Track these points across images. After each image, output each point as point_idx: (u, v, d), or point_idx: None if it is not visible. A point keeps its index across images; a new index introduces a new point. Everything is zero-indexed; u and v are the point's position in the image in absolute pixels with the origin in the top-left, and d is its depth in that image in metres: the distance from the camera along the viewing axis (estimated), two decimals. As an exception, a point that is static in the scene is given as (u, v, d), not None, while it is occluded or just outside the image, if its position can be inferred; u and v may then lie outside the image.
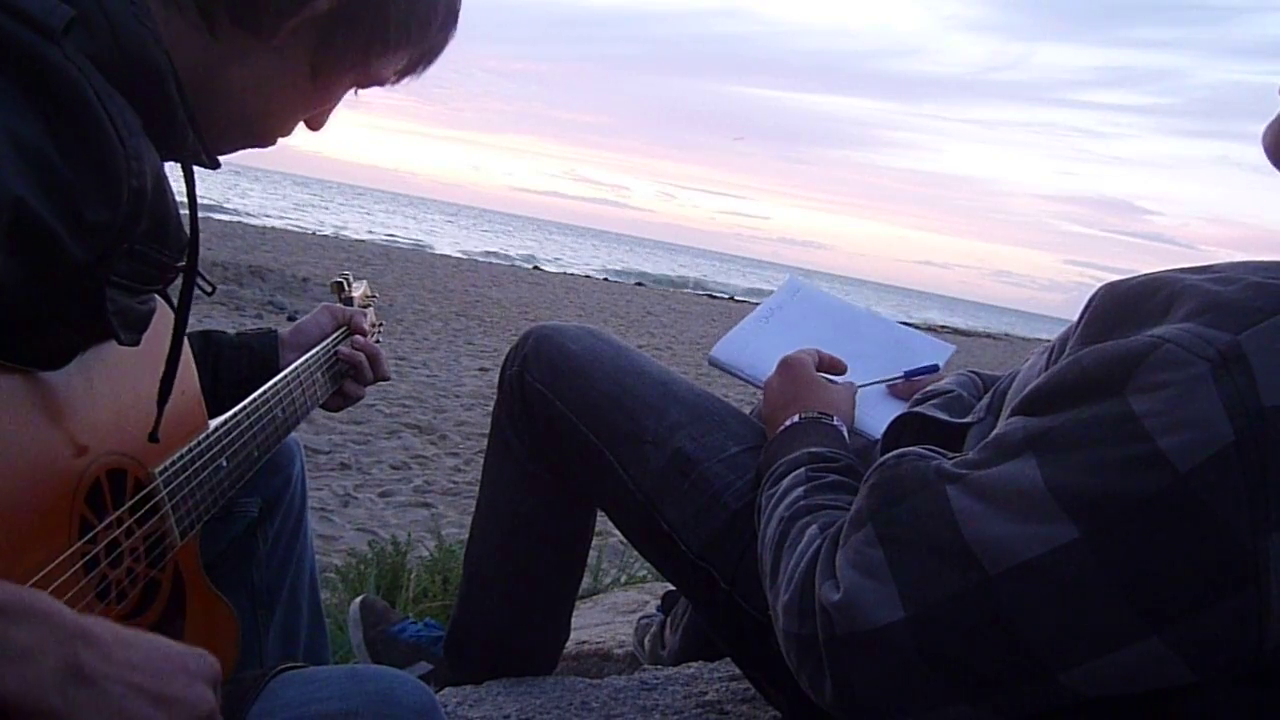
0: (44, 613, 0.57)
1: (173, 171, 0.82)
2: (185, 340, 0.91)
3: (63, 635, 0.57)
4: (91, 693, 0.58)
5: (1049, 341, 0.97)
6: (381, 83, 0.98)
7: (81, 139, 0.67)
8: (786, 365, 1.32)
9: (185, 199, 0.85)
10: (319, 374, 1.35)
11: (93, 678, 0.58)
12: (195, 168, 0.87)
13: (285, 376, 1.23)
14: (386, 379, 1.49)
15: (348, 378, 1.43)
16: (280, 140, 0.98)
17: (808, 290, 1.64)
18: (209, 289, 0.95)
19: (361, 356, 1.43)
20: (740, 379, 1.49)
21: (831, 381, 1.33)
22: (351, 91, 0.98)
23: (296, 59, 0.89)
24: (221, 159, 0.93)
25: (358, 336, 1.46)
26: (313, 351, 1.34)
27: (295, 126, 0.98)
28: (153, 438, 0.91)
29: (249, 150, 0.97)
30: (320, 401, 1.37)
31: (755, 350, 1.47)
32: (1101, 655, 0.73)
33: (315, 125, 1.00)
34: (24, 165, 0.63)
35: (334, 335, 1.43)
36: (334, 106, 0.99)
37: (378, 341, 1.67)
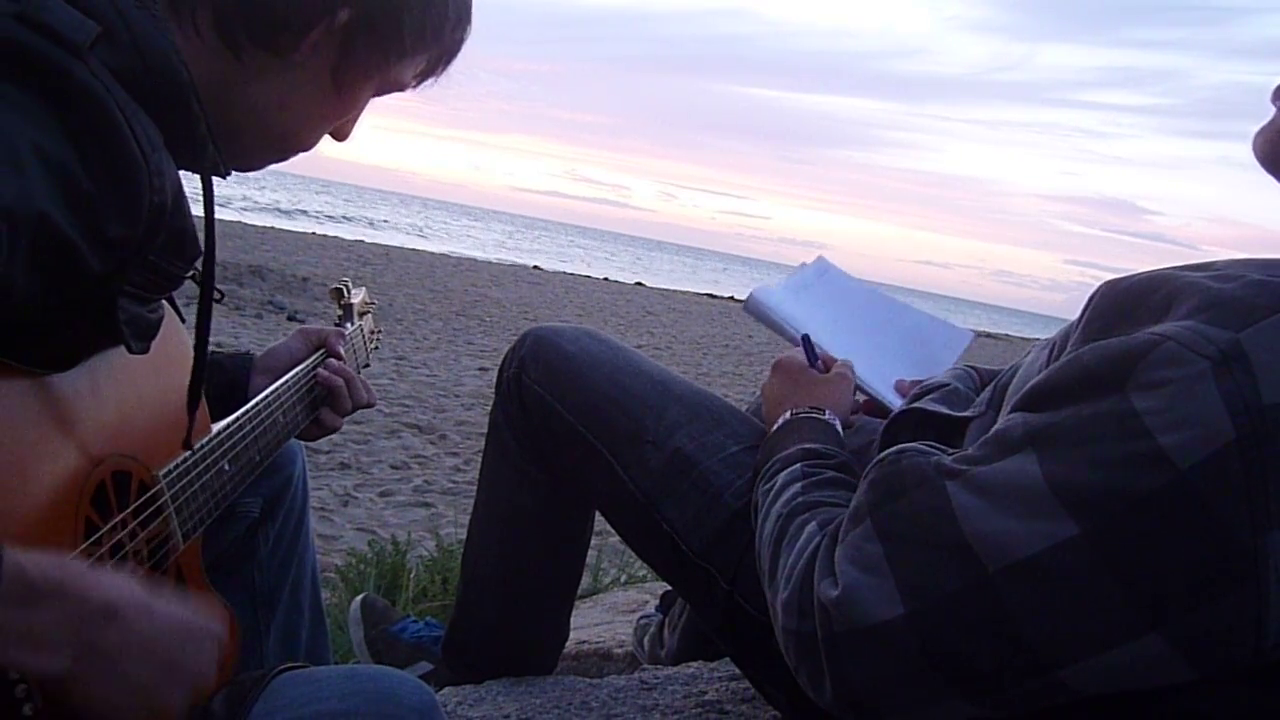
0: (74, 593, 0.61)
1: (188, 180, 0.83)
2: (188, 336, 0.92)
3: (88, 615, 0.62)
4: (105, 666, 0.64)
5: (1050, 338, 0.97)
6: (403, 87, 0.99)
7: (105, 154, 0.67)
8: (778, 366, 1.34)
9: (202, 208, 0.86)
10: (300, 394, 1.28)
11: (109, 654, 0.64)
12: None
13: (286, 381, 1.23)
14: (370, 405, 1.40)
15: (325, 405, 1.33)
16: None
17: (835, 274, 1.65)
18: (218, 296, 0.96)
19: (339, 381, 1.33)
20: (773, 327, 1.48)
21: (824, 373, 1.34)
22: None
23: (318, 72, 0.90)
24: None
25: (333, 360, 1.35)
26: (299, 368, 1.29)
27: (320, 138, 0.98)
28: (186, 444, 0.93)
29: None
30: (306, 421, 1.31)
31: (789, 312, 1.48)
32: (1101, 652, 0.73)
33: (340, 136, 1.00)
34: (48, 179, 0.63)
35: (312, 359, 1.33)
36: (358, 115, 1.00)
37: (376, 348, 1.67)
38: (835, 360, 1.37)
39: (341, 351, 1.38)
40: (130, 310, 0.77)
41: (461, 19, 0.99)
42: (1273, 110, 0.85)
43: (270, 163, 0.97)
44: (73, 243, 0.65)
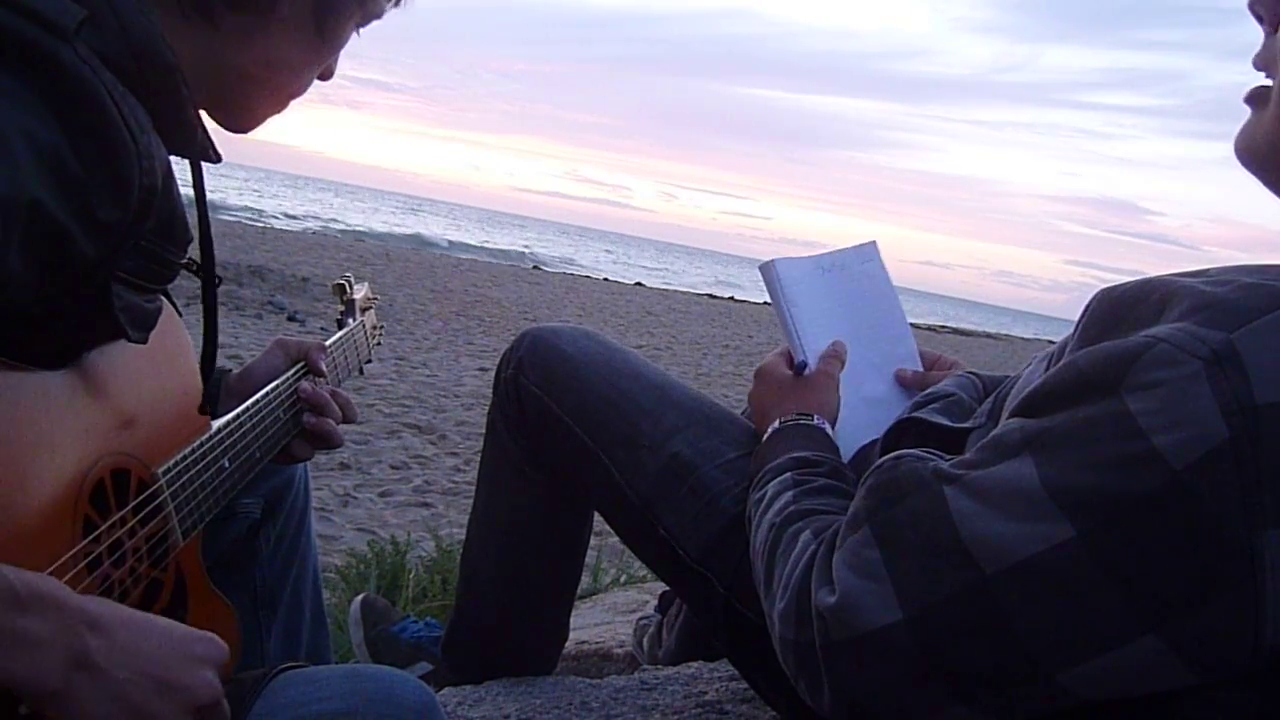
0: (54, 601, 0.62)
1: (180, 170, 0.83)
2: (187, 333, 0.92)
3: (71, 623, 0.62)
4: (94, 678, 0.63)
5: (1050, 342, 0.97)
6: (381, 15, 1.01)
7: (95, 139, 0.67)
8: (761, 374, 1.32)
9: (192, 193, 0.87)
10: (289, 404, 1.23)
11: (97, 664, 0.64)
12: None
13: (287, 378, 1.23)
14: (352, 421, 1.32)
15: (299, 436, 1.24)
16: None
17: (875, 267, 1.48)
18: (216, 281, 0.97)
19: (325, 397, 1.25)
20: (774, 300, 1.38)
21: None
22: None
23: (300, 21, 0.92)
24: (227, 150, 0.95)
25: (306, 384, 1.25)
26: (285, 375, 1.24)
27: (311, 81, 1.01)
28: (202, 410, 0.96)
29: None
30: (296, 428, 1.24)
31: (801, 291, 1.38)
32: (1099, 655, 0.73)
33: (326, 75, 1.02)
34: (40, 166, 0.63)
35: (290, 372, 1.25)
36: (340, 49, 1.02)
37: (378, 344, 1.67)
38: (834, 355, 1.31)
39: (324, 368, 1.31)
40: (126, 298, 0.77)
41: None
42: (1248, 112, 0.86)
43: (270, 116, 0.99)
44: (65, 228, 0.66)
